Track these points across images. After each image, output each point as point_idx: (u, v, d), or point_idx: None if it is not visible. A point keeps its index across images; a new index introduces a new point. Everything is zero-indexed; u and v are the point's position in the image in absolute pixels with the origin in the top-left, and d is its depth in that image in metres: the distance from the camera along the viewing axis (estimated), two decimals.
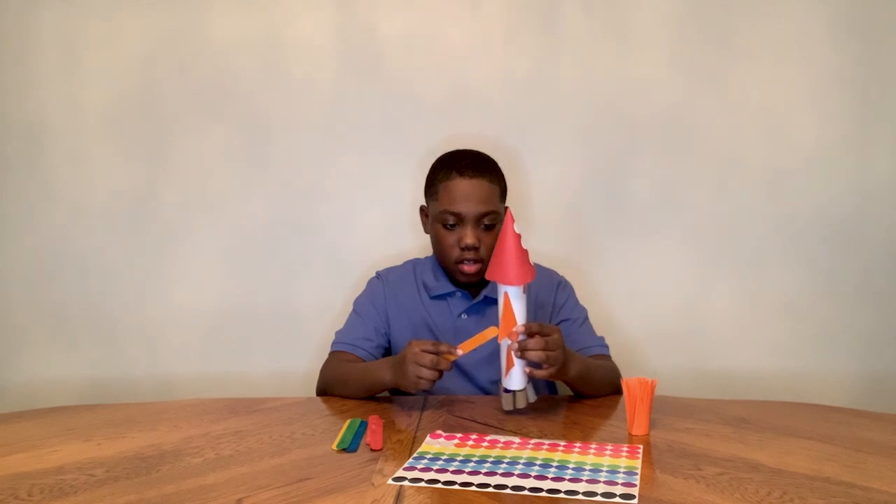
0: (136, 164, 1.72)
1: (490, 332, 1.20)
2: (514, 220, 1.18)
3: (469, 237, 1.36)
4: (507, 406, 1.22)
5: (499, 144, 1.62)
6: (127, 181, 1.72)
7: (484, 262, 1.38)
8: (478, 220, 1.37)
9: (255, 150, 1.72)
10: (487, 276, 1.21)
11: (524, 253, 1.18)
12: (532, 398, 1.22)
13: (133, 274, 1.73)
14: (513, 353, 1.19)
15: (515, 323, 1.18)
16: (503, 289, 1.18)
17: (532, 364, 1.20)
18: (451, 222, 1.38)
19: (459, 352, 1.20)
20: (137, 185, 1.72)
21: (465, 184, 1.37)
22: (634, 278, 1.71)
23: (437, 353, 1.19)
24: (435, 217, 1.41)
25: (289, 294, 1.73)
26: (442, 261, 1.44)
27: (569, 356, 1.24)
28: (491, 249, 1.39)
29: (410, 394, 1.40)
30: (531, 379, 1.22)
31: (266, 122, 1.71)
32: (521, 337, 1.18)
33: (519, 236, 1.18)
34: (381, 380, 1.29)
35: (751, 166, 1.69)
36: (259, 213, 1.72)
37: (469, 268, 1.38)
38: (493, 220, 1.39)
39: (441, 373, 1.20)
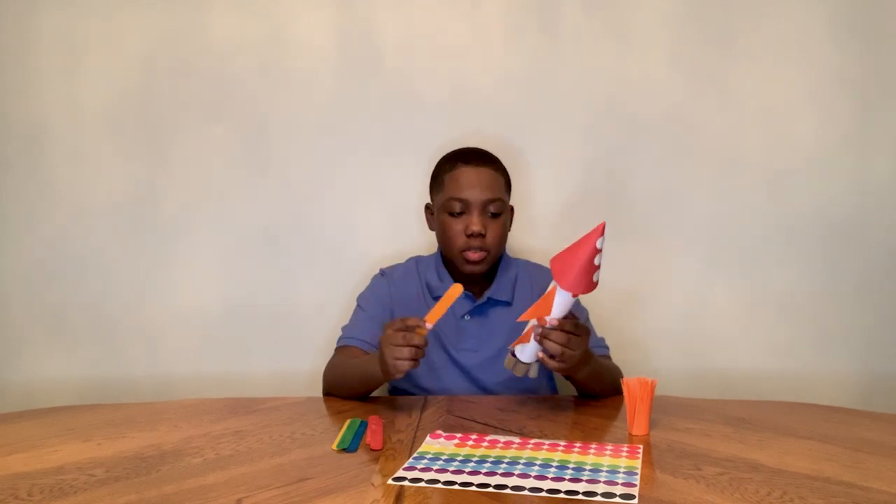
0: (136, 164, 1.72)
1: (454, 290, 1.17)
2: (602, 235, 1.12)
3: (476, 224, 1.36)
4: (509, 365, 1.20)
5: (499, 144, 1.62)
6: (127, 181, 1.72)
7: (490, 252, 1.38)
8: (484, 206, 1.37)
9: (256, 150, 1.72)
10: (551, 262, 1.15)
11: (593, 268, 1.13)
12: (533, 375, 1.21)
13: (133, 274, 1.73)
14: (534, 333, 1.16)
15: (549, 313, 1.14)
16: (556, 282, 1.14)
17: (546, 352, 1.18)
18: (457, 209, 1.38)
19: (428, 325, 1.16)
20: (137, 185, 1.72)
21: (470, 171, 1.39)
22: (634, 278, 1.71)
23: (406, 330, 1.16)
24: (441, 207, 1.41)
25: (289, 294, 1.73)
26: (447, 251, 1.43)
27: (585, 358, 1.22)
28: (497, 238, 1.39)
29: (411, 393, 1.40)
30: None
31: (266, 122, 1.71)
32: (549, 324, 1.15)
33: (598, 251, 1.13)
34: (374, 374, 1.24)
35: (751, 166, 1.69)
36: (259, 212, 1.72)
37: (474, 255, 1.37)
38: (498, 209, 1.39)
39: (418, 350, 1.16)
